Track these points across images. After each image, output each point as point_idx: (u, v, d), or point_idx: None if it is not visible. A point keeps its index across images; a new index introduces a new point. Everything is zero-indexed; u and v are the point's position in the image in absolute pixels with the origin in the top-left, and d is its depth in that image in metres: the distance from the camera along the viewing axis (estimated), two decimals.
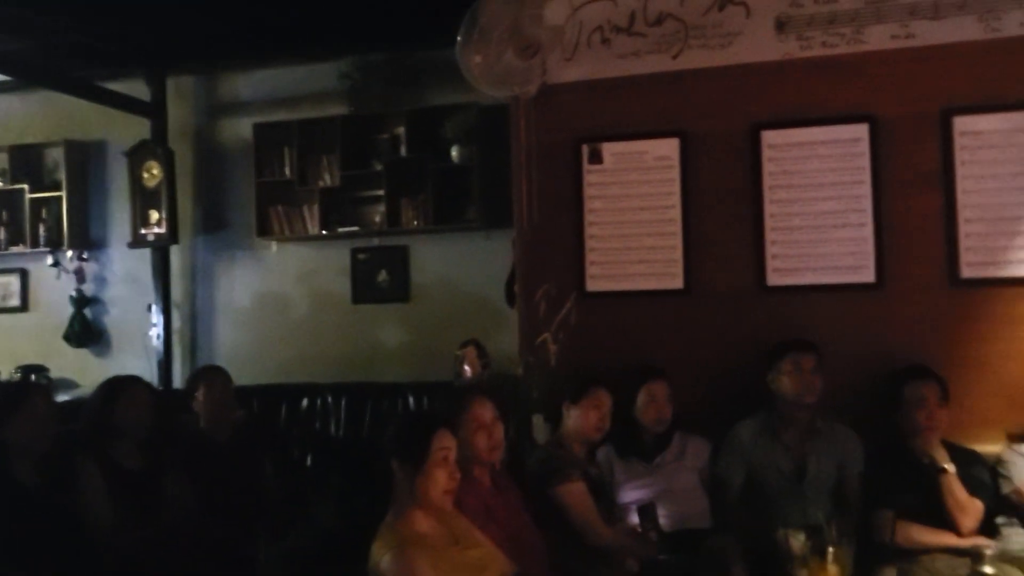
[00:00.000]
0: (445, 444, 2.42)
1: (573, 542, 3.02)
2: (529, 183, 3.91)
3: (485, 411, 2.78)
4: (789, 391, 3.30)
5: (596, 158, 3.89)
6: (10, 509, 2.89)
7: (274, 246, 5.98)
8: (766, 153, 3.67)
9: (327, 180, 5.76)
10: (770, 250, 3.65)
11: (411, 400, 5.07)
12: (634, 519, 3.18)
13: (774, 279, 3.65)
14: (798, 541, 2.53)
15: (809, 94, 3.63)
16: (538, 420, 3.77)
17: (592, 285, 3.85)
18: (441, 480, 2.39)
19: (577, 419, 3.35)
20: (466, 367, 4.68)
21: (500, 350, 4.87)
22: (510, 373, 4.19)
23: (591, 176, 3.89)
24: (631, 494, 3.38)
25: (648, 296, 3.80)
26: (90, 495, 3.23)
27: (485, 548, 2.51)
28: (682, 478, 3.43)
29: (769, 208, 3.66)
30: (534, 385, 3.82)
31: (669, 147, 3.82)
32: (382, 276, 5.81)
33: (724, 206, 3.72)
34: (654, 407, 3.48)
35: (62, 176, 6.28)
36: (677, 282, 3.78)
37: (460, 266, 5.66)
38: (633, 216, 3.85)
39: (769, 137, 3.67)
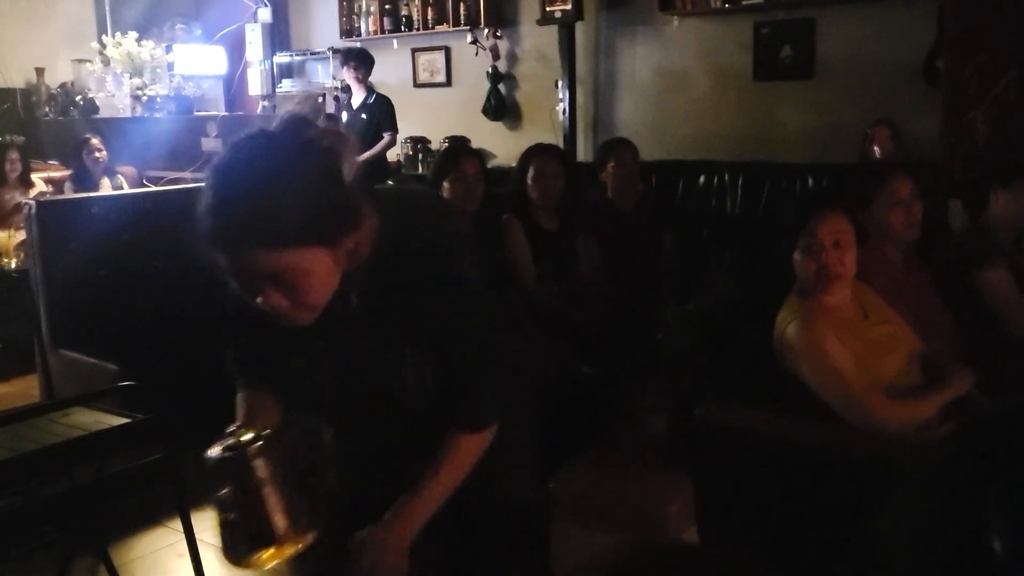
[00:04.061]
0: (809, 228, 2.34)
1: (989, 331, 2.87)
2: None
3: (904, 187, 2.65)
4: None
5: None
6: None
7: (675, 21, 5.91)
8: None
9: None
10: None
11: (811, 181, 4.92)
12: None
13: None
14: None
15: None
16: (955, 205, 3.52)
17: None
18: (809, 265, 2.34)
19: (1007, 204, 3.07)
20: (876, 148, 4.42)
21: (915, 131, 4.53)
22: (926, 154, 3.91)
23: None
24: None
25: None
26: (516, 250, 3.62)
27: (895, 325, 2.47)
28: None
29: None
30: (956, 167, 3.54)
31: None
32: (785, 52, 5.54)
33: None
34: None
35: None
36: None
37: (872, 39, 5.22)
38: None
39: None
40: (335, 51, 7.32)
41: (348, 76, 6.33)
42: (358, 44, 7.30)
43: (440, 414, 1.55)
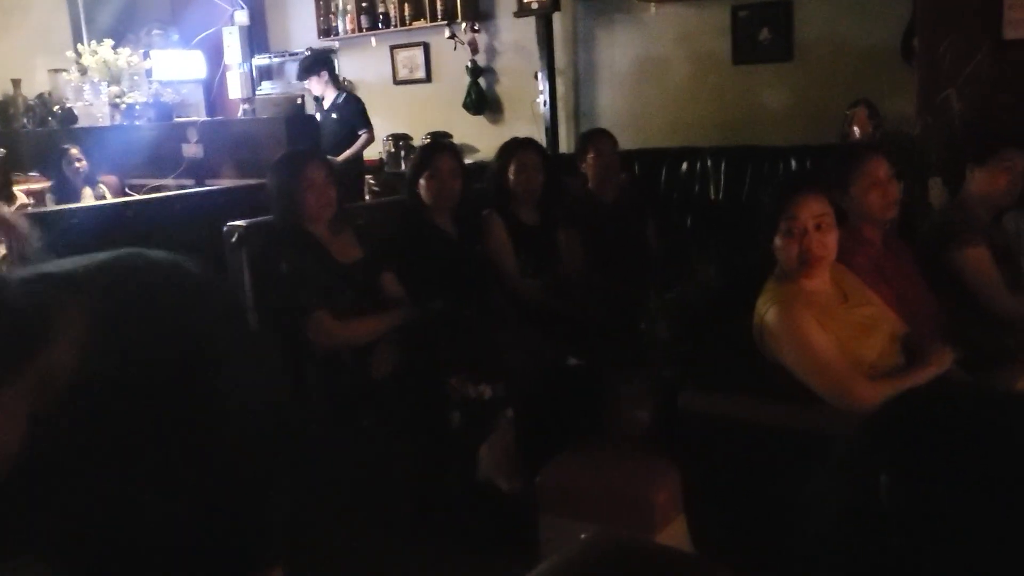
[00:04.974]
0: (791, 212, 2.34)
1: (970, 309, 2.88)
2: None
3: (880, 168, 2.66)
4: None
5: None
6: (437, 252, 3.34)
7: (653, 8, 5.90)
8: None
9: None
10: None
11: (793, 164, 4.92)
12: None
13: None
14: None
15: None
16: (935, 183, 3.52)
17: (1011, 32, 3.40)
18: (792, 248, 2.34)
19: (983, 182, 3.08)
20: (855, 128, 4.43)
21: (893, 110, 4.53)
22: (905, 134, 3.91)
23: None
24: None
25: None
26: (497, 245, 3.61)
27: (875, 307, 2.48)
28: None
29: None
30: (932, 146, 3.54)
31: None
32: (764, 34, 5.54)
33: None
34: None
35: None
36: None
37: (850, 18, 5.22)
38: None
39: None
40: (312, 51, 7.29)
41: (312, 86, 6.25)
42: (335, 44, 7.29)
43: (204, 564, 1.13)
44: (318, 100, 6.59)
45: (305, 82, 6.29)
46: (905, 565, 0.51)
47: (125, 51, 6.30)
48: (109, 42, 6.27)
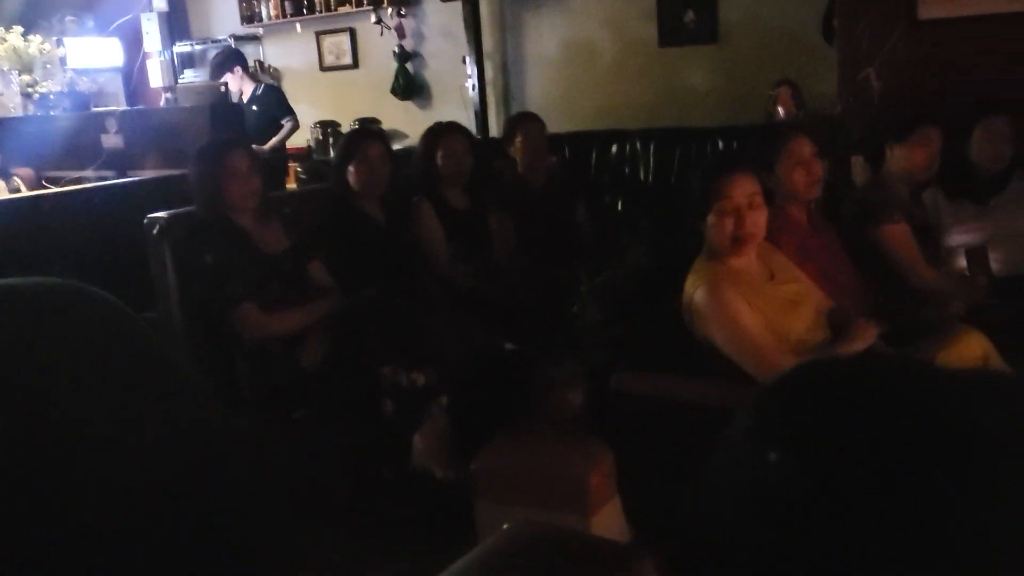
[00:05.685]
0: (724, 191, 2.36)
1: (892, 284, 2.94)
2: None
3: (804, 147, 2.70)
4: None
5: None
6: (366, 239, 3.29)
7: None
8: None
9: None
10: None
11: (720, 144, 4.96)
12: (961, 263, 3.03)
13: None
14: None
15: None
16: (857, 161, 3.59)
17: (925, 12, 3.47)
18: (726, 227, 2.37)
19: (901, 159, 3.15)
20: (779, 108, 4.49)
21: (816, 90, 4.61)
22: (827, 113, 3.98)
23: None
24: (960, 237, 3.19)
25: (998, 20, 3.36)
26: (426, 231, 3.58)
27: (801, 284, 2.52)
28: (1019, 222, 3.17)
29: None
30: (854, 124, 3.61)
31: None
32: (689, 16, 5.58)
33: None
34: (992, 145, 3.19)
35: None
36: None
37: (773, 1, 5.29)
38: None
39: None
40: (237, 38, 7.12)
41: (231, 81, 6.07)
42: (260, 31, 7.13)
43: None
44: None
45: (220, 80, 6.10)
46: (808, 548, 0.49)
47: (36, 39, 6.07)
48: (18, 29, 6.04)
